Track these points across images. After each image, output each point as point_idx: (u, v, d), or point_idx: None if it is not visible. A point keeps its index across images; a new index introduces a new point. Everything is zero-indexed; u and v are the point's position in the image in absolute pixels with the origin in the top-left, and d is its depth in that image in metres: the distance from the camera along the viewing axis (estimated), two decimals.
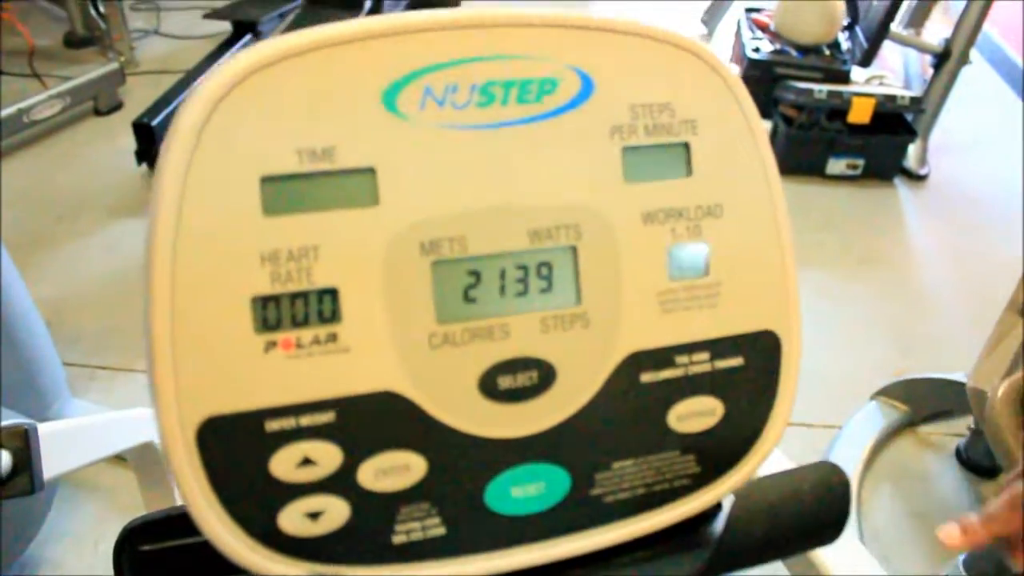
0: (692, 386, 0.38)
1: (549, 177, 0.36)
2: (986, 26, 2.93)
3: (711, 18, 3.68)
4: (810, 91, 2.59)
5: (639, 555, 0.40)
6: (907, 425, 1.79)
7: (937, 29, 3.11)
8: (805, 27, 2.78)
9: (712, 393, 0.39)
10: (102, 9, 3.11)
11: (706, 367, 0.38)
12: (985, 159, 2.90)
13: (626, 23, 0.37)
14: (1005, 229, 2.35)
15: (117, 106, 2.92)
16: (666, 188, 0.38)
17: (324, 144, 0.33)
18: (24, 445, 0.66)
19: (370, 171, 0.33)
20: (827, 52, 2.81)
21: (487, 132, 0.35)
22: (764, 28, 2.95)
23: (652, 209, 0.38)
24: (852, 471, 1.69)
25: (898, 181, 2.70)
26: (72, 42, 3.20)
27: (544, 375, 0.36)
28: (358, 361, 0.34)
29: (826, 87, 2.61)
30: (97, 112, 2.89)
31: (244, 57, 0.33)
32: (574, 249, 0.36)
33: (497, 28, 0.35)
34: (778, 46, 2.82)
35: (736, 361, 0.39)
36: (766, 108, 2.64)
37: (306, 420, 0.33)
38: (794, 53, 2.78)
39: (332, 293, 0.33)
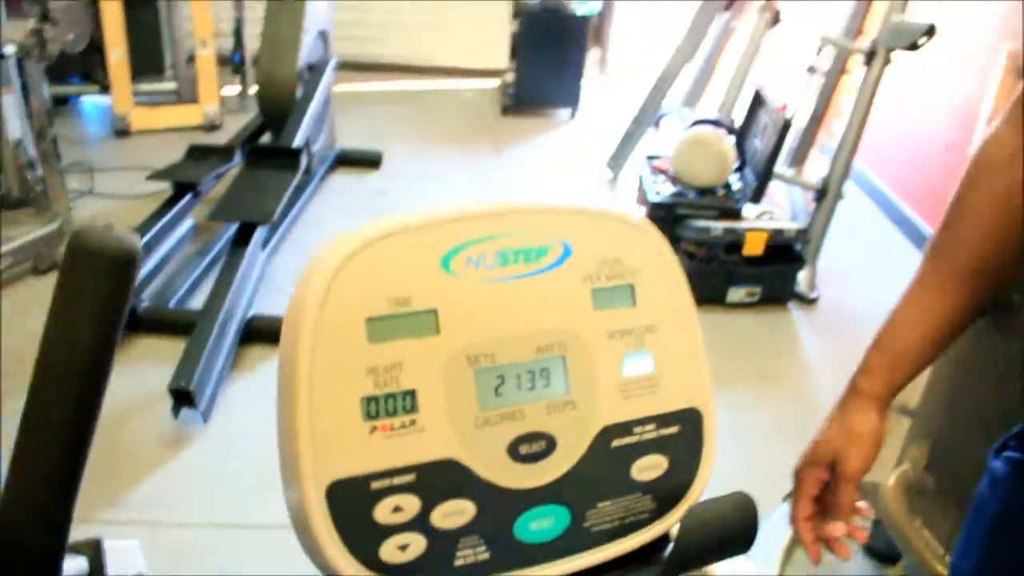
0: (646, 447, 0.57)
1: (546, 310, 0.55)
2: (859, 163, 3.30)
3: (616, 165, 4.01)
4: (708, 228, 2.87)
5: (617, 571, 0.57)
6: None
7: (817, 167, 3.48)
8: (700, 171, 3.09)
9: (660, 452, 0.57)
10: (39, 171, 3.25)
11: (654, 434, 0.57)
12: (867, 281, 3.22)
13: (592, 208, 0.57)
14: None
15: (55, 265, 3.03)
16: (621, 314, 0.57)
17: (404, 295, 0.51)
18: (96, 554, 0.77)
19: (434, 312, 0.52)
20: (721, 192, 3.11)
21: (506, 283, 0.54)
22: (664, 173, 3.26)
23: (612, 329, 0.56)
24: (772, 567, 1.87)
25: (792, 305, 2.98)
26: (8, 204, 3.31)
27: (549, 443, 0.54)
28: (429, 438, 0.51)
29: (722, 224, 2.90)
30: (36, 271, 2.99)
31: (346, 243, 0.51)
32: (564, 358, 0.55)
33: (508, 215, 0.55)
34: (677, 189, 3.12)
35: (674, 429, 0.58)
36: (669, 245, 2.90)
37: (397, 480, 0.50)
38: (692, 195, 3.08)
39: (412, 393, 0.51)
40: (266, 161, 3.15)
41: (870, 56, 2.94)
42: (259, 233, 2.84)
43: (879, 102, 3.01)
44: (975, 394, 1.46)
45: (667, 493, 0.58)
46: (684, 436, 0.58)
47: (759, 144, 3.15)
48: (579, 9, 4.66)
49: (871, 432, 0.87)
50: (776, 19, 3.49)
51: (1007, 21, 3.05)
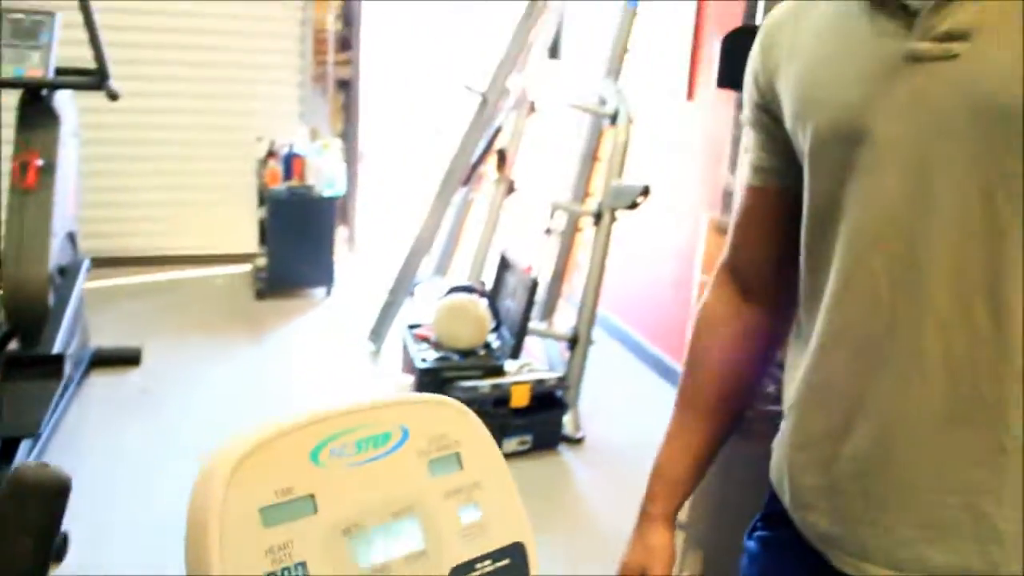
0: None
1: (396, 483, 0.69)
2: (602, 310, 3.67)
3: (377, 338, 4.18)
4: (476, 387, 3.09)
5: None
6: None
7: (565, 318, 3.82)
8: (460, 335, 3.32)
9: None
10: None
11: (492, 567, 0.72)
12: (625, 414, 3.53)
13: (419, 397, 0.73)
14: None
15: None
16: (452, 478, 0.72)
17: (287, 486, 0.64)
18: None
19: (311, 496, 0.65)
20: (483, 352, 3.35)
21: (363, 465, 0.68)
22: (426, 340, 3.46)
23: (447, 490, 0.72)
24: None
25: (562, 447, 3.22)
26: None
27: None
28: None
29: (487, 381, 3.12)
30: None
31: (235, 448, 0.64)
32: (415, 518, 0.69)
33: (358, 412, 0.69)
34: (441, 354, 3.32)
35: (506, 561, 0.73)
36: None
37: None
38: (456, 357, 3.30)
39: (303, 564, 0.63)
40: (24, 371, 3.07)
41: (598, 216, 3.33)
42: (24, 447, 2.75)
43: (613, 253, 3.40)
44: (731, 498, 1.71)
45: None
46: (514, 565, 0.73)
47: (511, 304, 3.44)
48: (326, 191, 4.89)
49: (665, 547, 1.08)
50: (511, 188, 3.87)
51: (708, 191, 3.59)
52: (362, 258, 5.71)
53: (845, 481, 0.90)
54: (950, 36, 0.80)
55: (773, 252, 1.06)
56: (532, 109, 4.18)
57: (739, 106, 3.20)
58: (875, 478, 0.88)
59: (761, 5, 1.83)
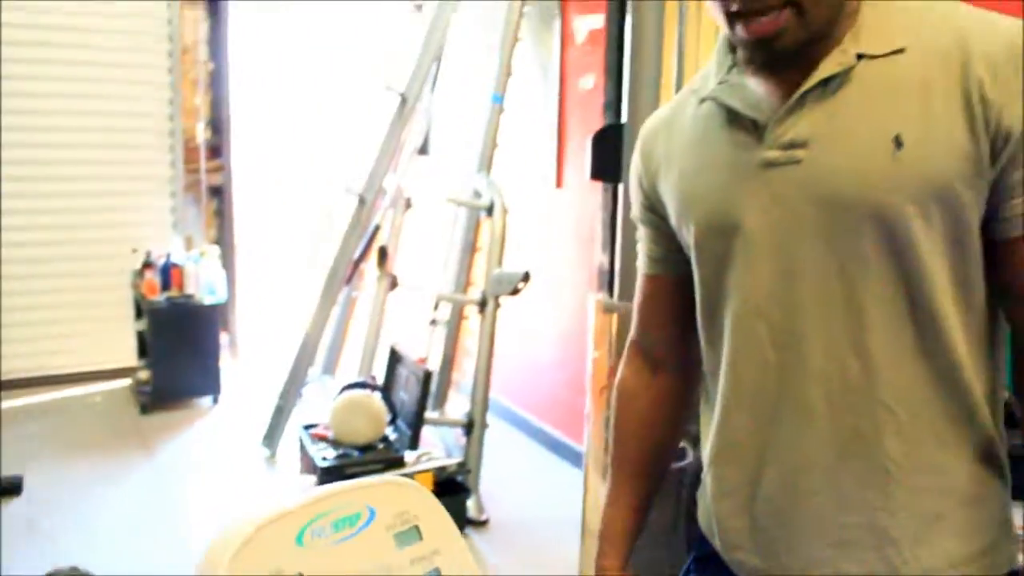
0: None
1: (369, 555, 0.78)
2: (494, 393, 3.77)
3: (271, 441, 4.16)
4: None
5: None
6: None
7: (458, 405, 3.91)
8: (358, 430, 3.37)
9: None
10: None
11: None
12: (524, 492, 3.62)
13: (382, 479, 0.82)
14: (557, 547, 3.00)
15: None
16: (415, 548, 0.82)
17: (277, 565, 0.73)
18: None
19: (300, 573, 0.74)
20: (381, 446, 3.40)
21: (341, 543, 0.77)
22: (324, 439, 3.49)
23: (412, 558, 0.81)
24: None
25: (468, 530, 3.28)
26: None
27: None
28: None
29: (389, 474, 3.17)
30: None
31: (234, 536, 0.72)
32: None
33: (330, 497, 0.79)
34: (341, 451, 3.36)
35: None
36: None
37: None
38: (356, 453, 3.33)
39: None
40: None
41: (482, 304, 3.47)
42: None
43: (500, 337, 3.53)
44: (649, 555, 1.83)
45: None
46: None
47: (405, 396, 3.51)
48: (207, 299, 4.88)
49: None
50: (394, 283, 3.97)
51: (584, 272, 3.80)
52: (246, 364, 5.66)
53: (764, 519, 1.05)
54: (792, 144, 0.97)
55: (675, 329, 1.22)
56: (408, 205, 4.33)
57: (606, 191, 3.42)
58: (789, 514, 1.03)
59: (625, 105, 2.02)
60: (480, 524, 3.33)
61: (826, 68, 0.96)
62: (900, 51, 0.96)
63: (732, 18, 0.96)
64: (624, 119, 2.05)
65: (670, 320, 1.23)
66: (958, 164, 0.92)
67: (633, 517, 1.27)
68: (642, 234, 1.24)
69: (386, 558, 0.79)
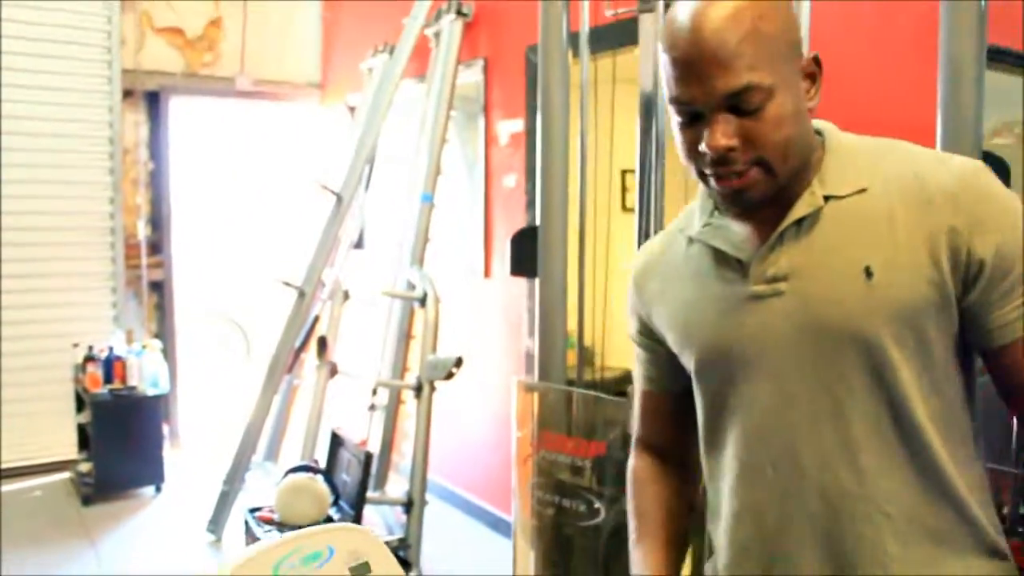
0: None
1: (330, 573, 1.02)
2: (432, 475, 3.98)
3: (216, 527, 4.29)
4: None
5: None
6: None
7: (397, 485, 4.10)
8: (302, 512, 3.53)
9: None
10: None
11: None
12: (465, 568, 3.80)
13: (339, 526, 1.06)
14: None
15: None
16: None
17: None
18: None
19: None
20: None
21: (309, 570, 1.00)
22: (270, 521, 3.65)
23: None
24: None
25: None
26: None
27: None
28: None
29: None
30: None
31: (224, 571, 0.95)
32: None
33: (299, 539, 1.02)
34: (286, 532, 3.52)
35: None
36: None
37: None
38: None
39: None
40: None
41: (418, 389, 3.70)
42: None
43: (436, 420, 3.76)
44: None
45: None
46: None
47: (347, 477, 3.70)
48: (149, 391, 5.02)
49: None
50: (334, 371, 4.18)
51: (512, 356, 4.07)
52: (188, 454, 5.77)
53: None
54: (775, 278, 1.10)
55: (677, 433, 1.33)
56: (346, 297, 4.57)
57: (530, 283, 3.70)
58: None
59: (538, 207, 2.32)
60: None
61: (798, 210, 1.08)
62: (863, 190, 1.07)
63: (705, 177, 1.08)
64: (538, 221, 2.35)
65: (671, 427, 1.34)
66: (924, 288, 1.03)
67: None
68: (639, 355, 1.35)
69: None
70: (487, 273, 4.39)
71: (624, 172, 3.51)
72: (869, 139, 1.14)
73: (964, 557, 1.09)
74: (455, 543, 4.16)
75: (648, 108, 2.37)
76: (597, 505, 1.96)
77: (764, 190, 1.07)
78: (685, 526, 1.34)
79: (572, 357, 2.35)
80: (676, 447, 1.35)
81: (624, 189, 3.72)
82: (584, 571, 2.08)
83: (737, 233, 1.15)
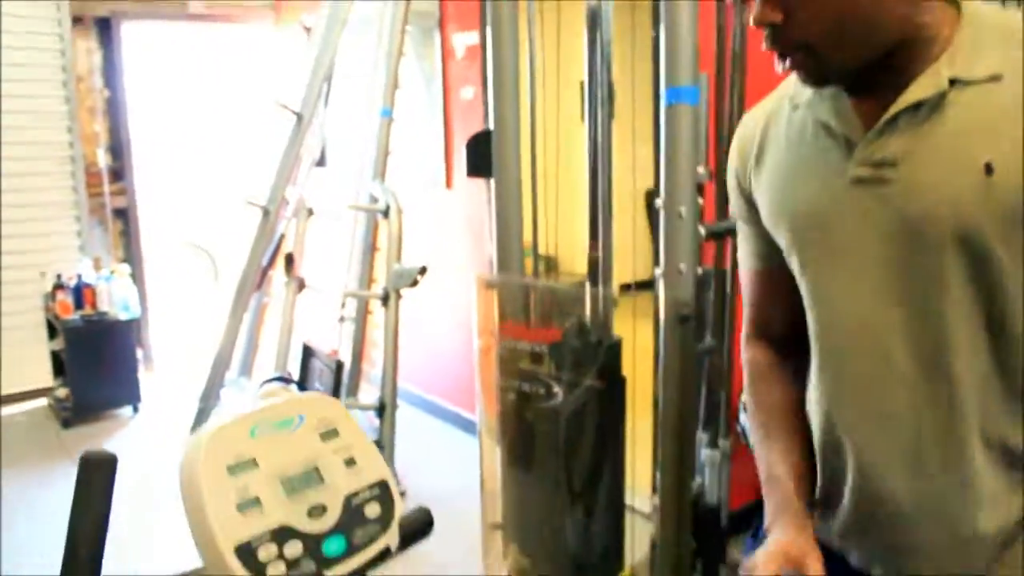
0: (368, 500, 1.15)
1: (301, 446, 1.12)
2: (402, 382, 4.10)
3: None
4: None
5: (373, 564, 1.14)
6: None
7: (370, 391, 4.22)
8: None
9: (376, 500, 1.16)
10: None
11: (368, 493, 1.16)
12: (437, 468, 3.96)
13: (306, 395, 1.17)
14: (470, 507, 3.34)
15: None
16: (335, 442, 1.16)
17: (238, 451, 1.06)
18: None
19: (253, 458, 1.07)
20: None
21: (282, 436, 1.11)
22: None
23: (335, 448, 1.15)
24: None
25: None
26: None
27: (325, 508, 1.11)
28: (271, 517, 1.06)
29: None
30: None
31: (207, 432, 1.06)
32: (317, 466, 1.13)
33: (273, 408, 1.13)
34: None
35: (377, 491, 1.17)
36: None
37: (262, 537, 1.04)
38: None
39: (257, 498, 1.05)
40: None
41: (385, 298, 3.80)
42: None
43: (404, 328, 3.87)
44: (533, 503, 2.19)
45: (383, 522, 1.16)
46: (383, 494, 1.17)
47: (320, 386, 3.82)
48: (121, 315, 5.09)
49: (815, 548, 1.13)
50: (302, 286, 4.26)
51: (476, 263, 4.16)
52: (162, 376, 5.87)
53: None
54: (883, 163, 1.00)
55: (795, 316, 1.20)
56: (310, 213, 4.62)
57: (491, 189, 3.78)
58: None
59: (491, 113, 2.38)
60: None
61: (915, 91, 0.98)
62: (997, 78, 0.95)
63: None
64: (492, 125, 2.41)
65: (787, 308, 1.22)
66: None
67: (809, 473, 1.22)
68: (744, 232, 1.28)
69: (315, 448, 1.13)
70: (448, 184, 4.46)
71: (582, 83, 3.57)
72: (1018, 16, 0.99)
73: None
74: (427, 446, 4.32)
75: (594, 21, 2.44)
76: (555, 389, 2.08)
77: (817, 77, 1.01)
78: (804, 415, 1.26)
79: (529, 266, 2.43)
80: (794, 332, 1.22)
81: (583, 100, 3.77)
82: (544, 453, 2.21)
83: (846, 108, 1.06)
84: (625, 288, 2.68)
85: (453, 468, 3.93)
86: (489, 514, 2.63)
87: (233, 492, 1.04)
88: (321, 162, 5.31)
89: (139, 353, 5.80)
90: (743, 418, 2.53)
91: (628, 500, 2.44)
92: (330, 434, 1.17)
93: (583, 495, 2.27)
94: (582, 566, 2.33)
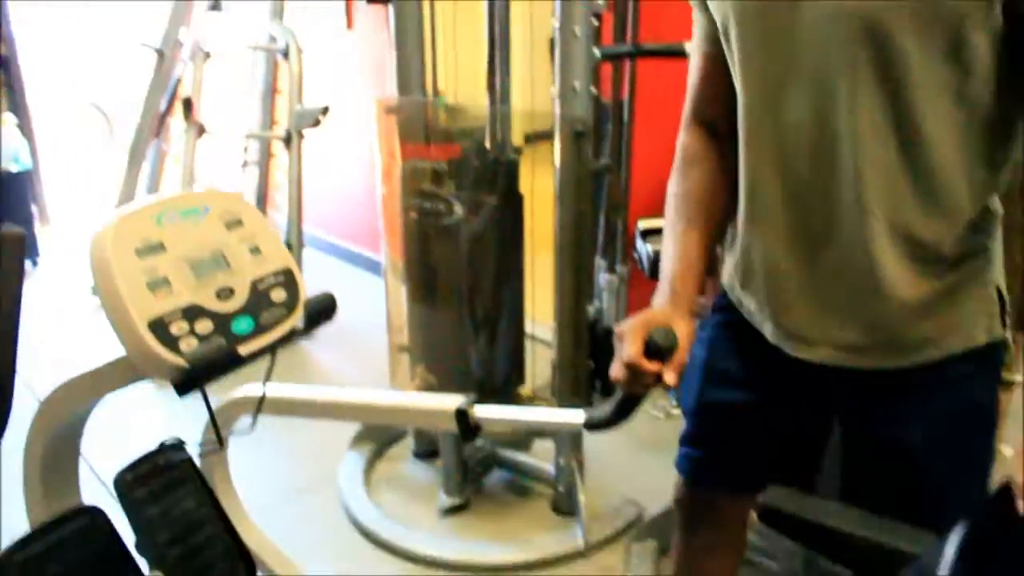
0: (275, 285, 1.21)
1: (208, 234, 1.17)
2: (310, 228, 4.12)
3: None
4: None
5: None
6: None
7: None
8: None
9: (281, 287, 1.22)
10: None
11: (274, 279, 1.22)
12: (344, 305, 4.01)
13: (213, 191, 1.20)
14: (376, 343, 3.44)
15: None
16: (240, 231, 1.21)
17: (146, 236, 1.11)
18: None
19: (161, 243, 1.12)
20: None
21: (187, 224, 1.15)
22: None
23: (240, 236, 1.20)
24: None
25: (295, 340, 3.67)
26: None
27: (233, 291, 1.17)
28: (180, 295, 1.11)
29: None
30: None
31: (114, 219, 1.09)
32: (224, 252, 1.18)
33: (178, 199, 1.17)
34: None
35: (283, 277, 1.23)
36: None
37: (175, 313, 1.10)
38: None
39: (166, 278, 1.10)
40: None
41: (288, 139, 3.78)
42: None
43: (308, 174, 3.86)
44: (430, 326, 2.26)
45: (288, 306, 1.23)
46: (289, 282, 1.23)
47: None
48: (12, 167, 4.92)
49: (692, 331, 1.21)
50: (202, 131, 4.19)
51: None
52: (58, 230, 5.74)
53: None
54: None
55: (729, 100, 1.23)
56: (207, 56, 4.49)
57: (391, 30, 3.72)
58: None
59: None
60: (309, 334, 3.74)
61: None
62: None
63: None
64: None
65: (725, 89, 1.23)
66: None
67: (702, 259, 1.27)
68: (697, 19, 1.29)
69: (221, 236, 1.18)
70: (349, 25, 4.37)
71: None
72: None
73: (958, 295, 1.14)
74: (334, 286, 4.35)
75: None
76: (455, 206, 2.14)
77: None
78: (727, 206, 1.30)
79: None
80: (730, 116, 1.23)
81: None
82: (446, 271, 2.28)
83: None
84: (527, 140, 2.68)
85: (361, 306, 3.97)
86: (395, 337, 2.72)
87: (143, 272, 1.09)
88: (215, 6, 5.12)
89: (34, 209, 5.65)
90: (640, 244, 2.63)
91: (531, 330, 2.55)
92: (235, 224, 1.22)
93: (485, 311, 2.36)
94: (485, 379, 2.45)
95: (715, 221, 1.30)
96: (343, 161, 4.58)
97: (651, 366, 1.12)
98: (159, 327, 1.08)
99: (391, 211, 2.46)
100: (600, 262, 2.98)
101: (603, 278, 2.99)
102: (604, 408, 1.25)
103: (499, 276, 2.36)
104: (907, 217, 1.09)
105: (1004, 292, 1.19)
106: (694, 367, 1.38)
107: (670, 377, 1.12)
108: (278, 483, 2.72)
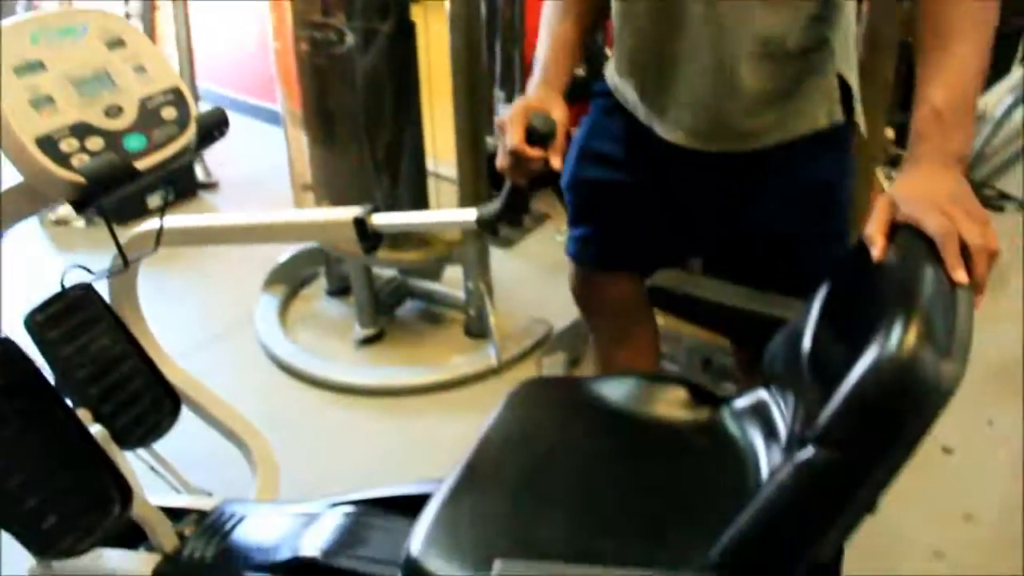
0: (165, 103, 1.22)
1: (89, 53, 1.17)
2: (203, 82, 4.00)
3: None
4: None
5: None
6: None
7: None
8: None
9: (171, 105, 1.23)
10: None
11: (164, 99, 1.22)
12: (246, 158, 3.94)
13: (90, 10, 1.19)
14: (280, 193, 3.41)
15: None
16: (122, 51, 1.20)
17: (26, 56, 1.10)
18: None
19: (40, 60, 1.11)
20: None
21: (64, 44, 1.15)
22: None
23: (121, 58, 1.20)
24: None
25: (200, 193, 3.64)
26: None
27: (121, 109, 1.17)
28: (65, 114, 1.11)
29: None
30: None
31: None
32: (108, 71, 1.18)
33: (50, 17, 1.15)
34: None
35: (172, 96, 1.23)
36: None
37: (62, 130, 1.10)
38: None
39: (50, 95, 1.10)
40: None
41: None
42: None
43: (197, 25, 3.72)
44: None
45: (180, 123, 1.23)
46: (179, 100, 1.23)
47: None
48: None
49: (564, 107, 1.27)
50: None
51: None
52: None
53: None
54: None
55: None
56: None
57: None
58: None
59: None
60: (211, 186, 3.70)
61: None
62: None
63: None
64: None
65: None
66: None
67: (577, 45, 1.35)
68: None
69: (103, 55, 1.17)
70: None
71: None
72: None
73: (801, 85, 1.25)
74: (233, 139, 4.25)
75: None
76: (347, 35, 2.11)
77: None
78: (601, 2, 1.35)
79: None
80: None
81: None
82: (342, 103, 2.28)
83: None
84: None
85: (263, 155, 3.90)
86: (298, 178, 2.71)
87: (23, 90, 1.09)
88: None
89: None
90: None
91: (433, 167, 2.56)
92: (116, 43, 1.21)
93: (386, 149, 2.36)
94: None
95: (591, 14, 1.36)
96: (234, 9, 4.41)
97: (534, 152, 1.18)
98: (48, 144, 1.08)
99: (284, 57, 2.42)
100: (499, 93, 3.00)
101: (502, 110, 3.01)
102: (493, 204, 1.30)
103: (397, 112, 2.35)
104: (753, 14, 1.18)
105: (850, 81, 1.29)
106: (573, 148, 1.47)
107: (555, 160, 1.20)
108: (195, 333, 2.74)
